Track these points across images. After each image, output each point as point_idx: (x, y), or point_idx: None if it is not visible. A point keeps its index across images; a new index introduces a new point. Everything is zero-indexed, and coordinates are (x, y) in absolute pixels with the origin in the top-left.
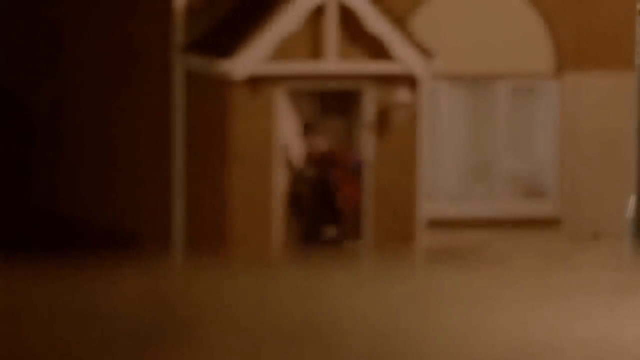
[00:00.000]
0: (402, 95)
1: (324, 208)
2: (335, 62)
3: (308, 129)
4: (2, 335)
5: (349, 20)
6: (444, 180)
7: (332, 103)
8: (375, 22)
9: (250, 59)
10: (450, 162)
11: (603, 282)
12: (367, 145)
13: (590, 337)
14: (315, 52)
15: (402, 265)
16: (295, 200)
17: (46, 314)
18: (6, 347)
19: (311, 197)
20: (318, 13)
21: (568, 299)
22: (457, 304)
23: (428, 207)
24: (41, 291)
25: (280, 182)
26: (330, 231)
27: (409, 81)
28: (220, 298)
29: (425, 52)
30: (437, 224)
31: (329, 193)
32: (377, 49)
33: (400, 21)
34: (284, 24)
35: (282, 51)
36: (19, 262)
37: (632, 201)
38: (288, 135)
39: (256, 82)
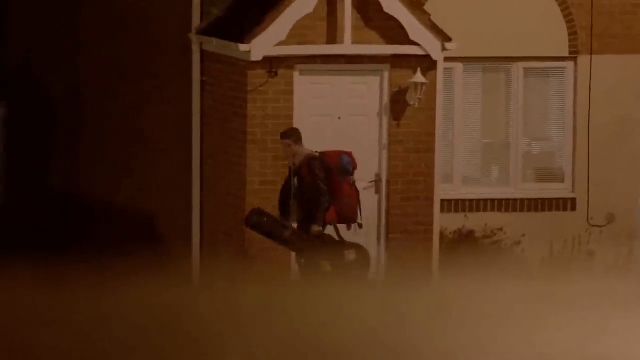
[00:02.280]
0: (418, 77)
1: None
2: (351, 43)
3: (287, 135)
4: (26, 341)
5: (365, 1)
6: (459, 162)
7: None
8: (392, 3)
9: (267, 41)
10: (465, 144)
11: (620, 293)
12: (383, 129)
13: (605, 353)
14: (332, 33)
15: (418, 277)
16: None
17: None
18: (29, 350)
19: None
20: None
21: (585, 311)
22: (475, 319)
23: (443, 188)
24: (65, 298)
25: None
26: (349, 254)
27: (425, 63)
28: (236, 312)
29: (441, 33)
30: (452, 206)
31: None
32: (393, 30)
33: (416, 2)
34: (301, 5)
35: (299, 32)
36: (41, 264)
37: None
38: (304, 117)
39: (273, 64)
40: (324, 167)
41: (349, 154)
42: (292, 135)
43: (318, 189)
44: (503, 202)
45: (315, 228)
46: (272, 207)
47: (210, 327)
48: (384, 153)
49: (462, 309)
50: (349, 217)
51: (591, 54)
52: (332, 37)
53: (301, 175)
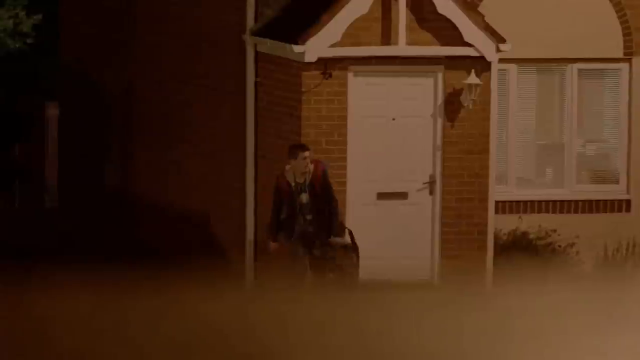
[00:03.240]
0: (472, 78)
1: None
2: (406, 44)
3: (306, 147)
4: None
5: (420, 2)
6: (513, 163)
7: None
8: (446, 5)
9: (321, 42)
10: (519, 145)
11: None
12: (437, 130)
13: None
14: (386, 34)
15: (472, 280)
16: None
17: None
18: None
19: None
20: None
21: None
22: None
23: (497, 190)
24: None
25: (351, 165)
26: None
27: (479, 64)
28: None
29: (495, 35)
30: (506, 208)
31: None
32: (447, 31)
33: (470, 4)
34: (355, 6)
35: (353, 33)
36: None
37: None
38: (358, 118)
39: (327, 65)
40: None
41: (322, 162)
42: (309, 148)
43: (332, 199)
44: (557, 203)
45: (338, 240)
46: None
47: (259, 340)
48: (439, 154)
49: (517, 319)
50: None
51: None
52: (387, 38)
53: (313, 187)
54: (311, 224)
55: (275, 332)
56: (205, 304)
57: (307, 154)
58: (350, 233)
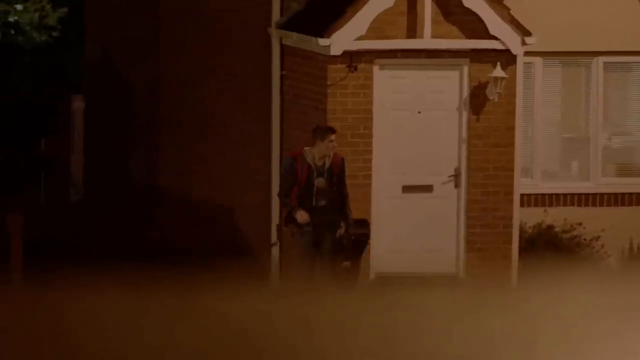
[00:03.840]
0: (498, 71)
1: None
2: (431, 37)
3: (333, 130)
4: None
5: None
6: (538, 156)
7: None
8: None
9: (347, 35)
10: (545, 138)
11: None
12: (463, 123)
13: None
14: (412, 27)
15: (497, 292)
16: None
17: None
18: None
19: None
20: None
21: None
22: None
23: (523, 183)
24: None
25: (376, 158)
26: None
27: (505, 58)
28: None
29: (521, 28)
30: (532, 201)
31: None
32: (473, 24)
33: None
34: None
35: (379, 27)
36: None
37: None
38: (383, 111)
39: (353, 59)
40: None
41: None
42: (336, 130)
43: (345, 188)
44: (583, 196)
45: (355, 229)
46: (352, 202)
47: (283, 341)
48: (464, 147)
49: (544, 320)
50: None
51: None
52: (412, 31)
53: (331, 173)
54: (324, 212)
55: (299, 333)
56: (226, 304)
57: (334, 136)
58: (368, 224)
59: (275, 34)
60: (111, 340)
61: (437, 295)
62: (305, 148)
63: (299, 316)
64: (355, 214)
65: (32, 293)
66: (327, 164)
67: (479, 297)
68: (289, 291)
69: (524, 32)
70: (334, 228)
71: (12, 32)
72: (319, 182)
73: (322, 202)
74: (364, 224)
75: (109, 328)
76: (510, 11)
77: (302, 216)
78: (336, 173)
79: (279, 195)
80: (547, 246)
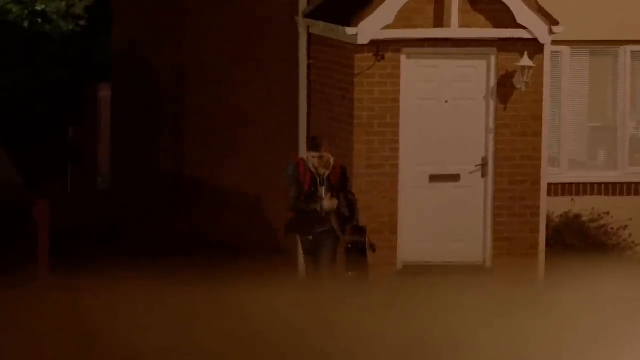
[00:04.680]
0: (525, 61)
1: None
2: (459, 26)
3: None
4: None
5: None
6: (566, 145)
7: None
8: None
9: (374, 24)
10: (572, 127)
11: None
12: (490, 112)
13: None
14: (439, 16)
15: (527, 290)
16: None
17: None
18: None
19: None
20: None
21: None
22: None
23: (550, 172)
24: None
25: (403, 147)
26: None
27: (532, 47)
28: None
29: (548, 17)
30: (559, 190)
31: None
32: (500, 13)
33: None
34: None
35: (406, 16)
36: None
37: None
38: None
39: (380, 48)
40: None
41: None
42: (324, 145)
43: (351, 194)
44: (610, 186)
45: (351, 237)
46: (378, 191)
47: (309, 339)
48: (491, 137)
49: (572, 314)
50: None
51: None
52: (439, 20)
53: (331, 183)
54: (325, 221)
55: (324, 332)
56: (250, 295)
57: (316, 153)
58: (364, 232)
59: (302, 22)
60: (139, 335)
61: (467, 296)
62: (306, 156)
63: (325, 313)
64: (382, 203)
65: (58, 282)
66: (327, 174)
67: (508, 293)
68: (314, 286)
69: (552, 21)
70: (334, 237)
71: (40, 21)
72: (322, 191)
73: (324, 213)
74: (361, 230)
75: (128, 317)
76: (538, 0)
77: (328, 202)
78: (335, 184)
79: (290, 202)
80: (574, 235)
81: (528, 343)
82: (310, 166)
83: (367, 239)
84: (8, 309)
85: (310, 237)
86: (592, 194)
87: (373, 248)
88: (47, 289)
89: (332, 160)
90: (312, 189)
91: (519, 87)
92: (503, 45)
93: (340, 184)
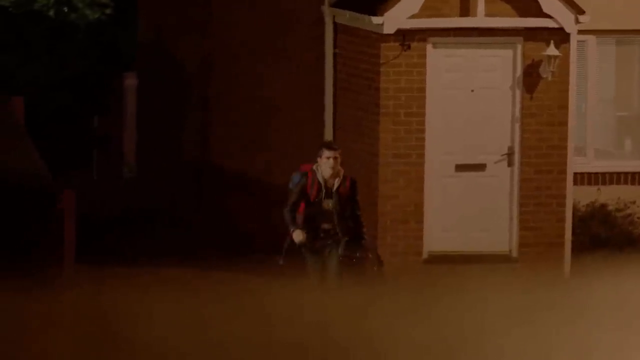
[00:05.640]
0: (551, 50)
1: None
2: (485, 15)
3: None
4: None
5: None
6: (592, 135)
7: None
8: None
9: (400, 14)
10: (598, 117)
11: None
12: (516, 102)
13: None
14: (465, 5)
15: (554, 282)
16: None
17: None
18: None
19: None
20: None
21: None
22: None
23: (576, 161)
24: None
25: (429, 137)
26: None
27: (558, 36)
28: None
29: (574, 6)
30: (585, 179)
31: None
32: (526, 3)
33: None
34: None
35: (432, 5)
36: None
37: None
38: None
39: (406, 37)
40: None
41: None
42: (336, 147)
43: (359, 209)
44: (637, 175)
45: (347, 251)
46: (404, 181)
47: (333, 338)
48: (517, 126)
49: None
50: None
51: None
52: (465, 9)
53: (339, 193)
54: (328, 235)
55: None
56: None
57: (331, 153)
58: (363, 245)
59: (328, 12)
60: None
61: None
62: (314, 166)
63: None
64: (407, 192)
65: (85, 272)
66: (336, 186)
67: (535, 286)
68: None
69: (578, 10)
70: (337, 251)
71: (65, 9)
72: (326, 204)
73: (327, 226)
74: (359, 245)
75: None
76: None
77: (297, 235)
78: (344, 197)
79: (283, 210)
80: (600, 225)
81: (556, 344)
82: (319, 177)
83: (369, 254)
84: (29, 310)
85: (305, 249)
86: (618, 183)
87: (380, 263)
88: (72, 286)
89: (342, 171)
90: (318, 201)
91: (545, 76)
92: (529, 34)
93: (350, 196)
